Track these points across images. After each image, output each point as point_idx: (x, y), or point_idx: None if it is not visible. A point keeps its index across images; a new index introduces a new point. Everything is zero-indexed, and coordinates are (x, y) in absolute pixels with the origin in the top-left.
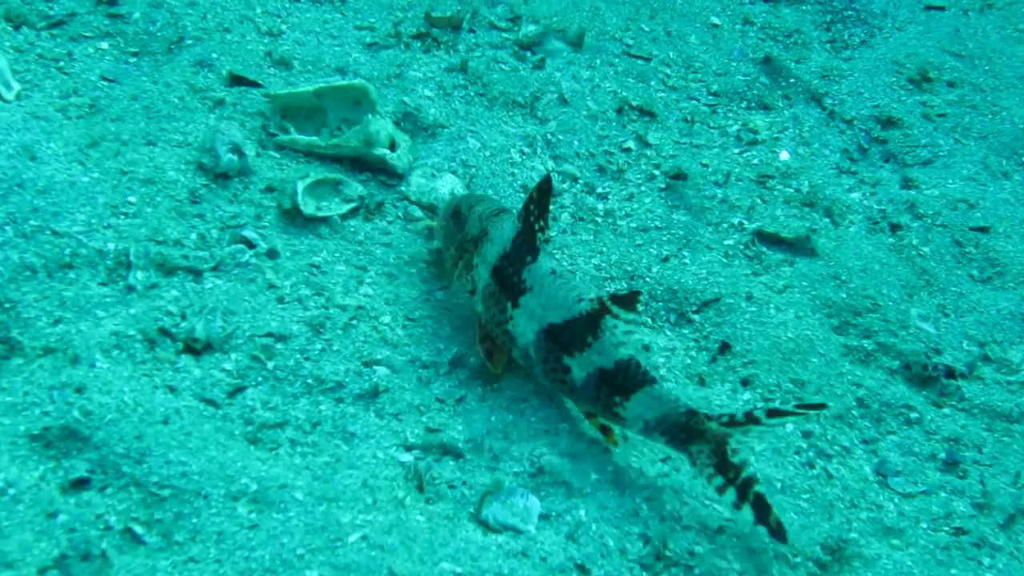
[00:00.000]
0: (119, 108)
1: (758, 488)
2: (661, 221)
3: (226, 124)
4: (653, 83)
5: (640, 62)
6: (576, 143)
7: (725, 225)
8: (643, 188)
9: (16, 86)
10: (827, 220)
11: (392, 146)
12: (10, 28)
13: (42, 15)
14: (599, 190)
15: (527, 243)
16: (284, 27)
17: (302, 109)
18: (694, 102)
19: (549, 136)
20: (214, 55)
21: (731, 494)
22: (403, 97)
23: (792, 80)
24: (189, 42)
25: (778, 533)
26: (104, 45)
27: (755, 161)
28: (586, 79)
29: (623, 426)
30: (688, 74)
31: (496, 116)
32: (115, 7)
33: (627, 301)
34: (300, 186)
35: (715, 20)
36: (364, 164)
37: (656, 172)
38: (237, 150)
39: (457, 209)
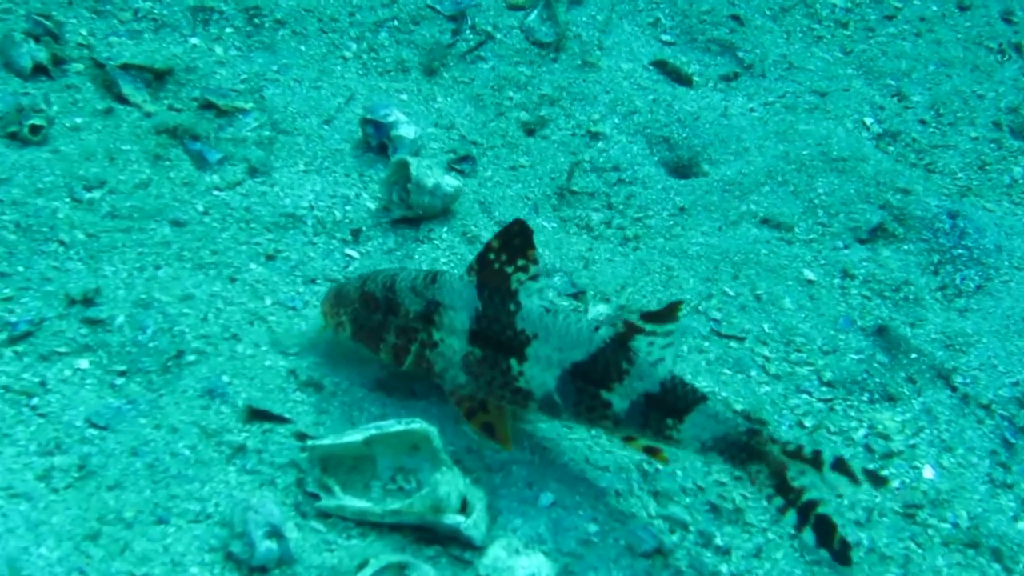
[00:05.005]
0: (117, 469)
1: (821, 510)
2: None
3: (259, 499)
4: (753, 373)
5: (734, 343)
6: (679, 472)
7: None
8: (771, 536)
9: None
10: (998, 566)
11: (464, 506)
12: None
13: (2, 323)
14: (717, 541)
15: (500, 292)
16: (304, 327)
17: (346, 458)
18: (805, 396)
19: (644, 464)
20: (225, 377)
21: (792, 516)
22: (465, 426)
23: (913, 356)
24: (191, 358)
25: (841, 556)
26: (83, 363)
27: (896, 484)
28: None
29: (678, 447)
30: (791, 354)
31: (580, 440)
32: (92, 308)
33: (663, 315)
34: None
35: (808, 274)
36: (432, 532)
37: None
38: (276, 533)
39: (370, 295)
